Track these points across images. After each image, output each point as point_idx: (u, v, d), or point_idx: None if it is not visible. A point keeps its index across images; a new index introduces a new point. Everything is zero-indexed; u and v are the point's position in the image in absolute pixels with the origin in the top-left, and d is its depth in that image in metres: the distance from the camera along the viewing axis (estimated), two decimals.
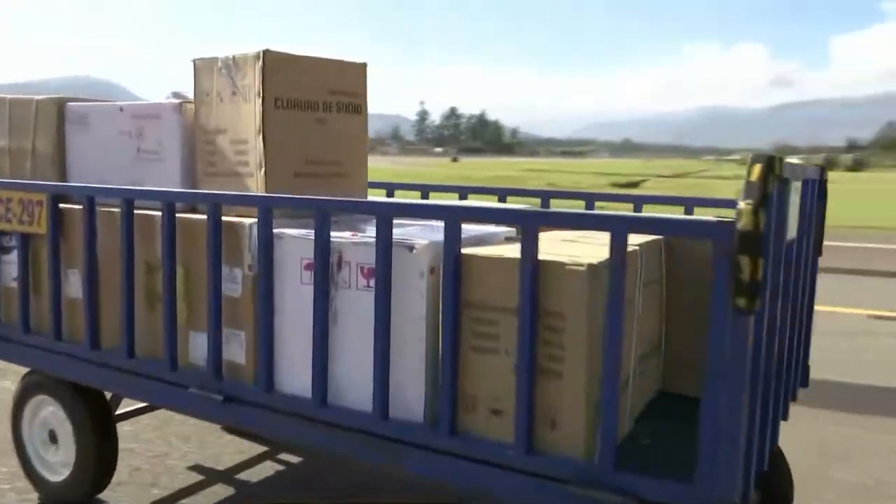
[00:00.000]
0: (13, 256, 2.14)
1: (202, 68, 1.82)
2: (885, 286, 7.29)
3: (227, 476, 2.52)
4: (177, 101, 1.89)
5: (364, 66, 1.89)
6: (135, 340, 1.84)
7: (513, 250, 1.33)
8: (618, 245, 1.16)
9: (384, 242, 1.39)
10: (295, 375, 1.59)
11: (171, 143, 1.89)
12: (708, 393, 1.12)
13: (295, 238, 1.57)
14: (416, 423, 1.44)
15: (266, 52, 1.67)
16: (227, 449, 2.72)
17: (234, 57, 1.74)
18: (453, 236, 1.32)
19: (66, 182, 2.12)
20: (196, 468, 2.55)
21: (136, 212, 1.79)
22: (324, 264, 1.49)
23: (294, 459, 2.65)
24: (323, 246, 1.48)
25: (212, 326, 1.67)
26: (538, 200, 2.40)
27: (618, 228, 1.16)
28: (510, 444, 1.30)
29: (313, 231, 1.51)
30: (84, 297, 1.90)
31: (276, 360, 1.60)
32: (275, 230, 1.58)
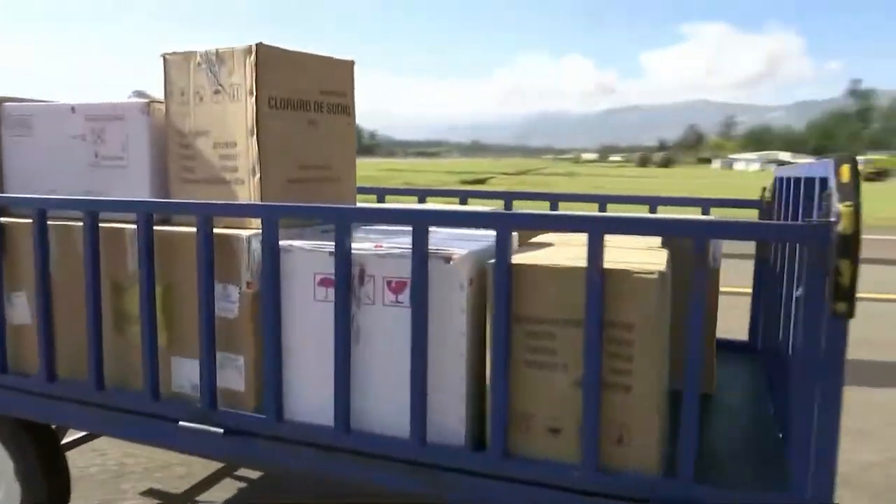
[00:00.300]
0: None
1: (175, 63, 1.48)
2: None
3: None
4: (143, 100, 1.50)
5: (352, 63, 1.62)
6: (103, 370, 1.43)
7: (566, 258, 1.11)
8: (700, 250, 0.97)
9: (421, 254, 1.12)
10: (308, 401, 1.32)
11: (137, 147, 1.55)
12: (801, 398, 0.96)
13: (307, 251, 1.27)
14: (457, 446, 1.18)
15: (259, 45, 1.35)
16: None
17: (217, 51, 1.41)
18: (504, 246, 1.07)
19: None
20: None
21: (101, 225, 1.39)
22: (345, 279, 1.19)
23: None
24: (344, 259, 1.20)
25: (204, 351, 1.34)
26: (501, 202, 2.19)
27: (700, 236, 0.97)
28: (575, 464, 1.08)
29: (325, 243, 1.29)
30: (39, 322, 1.48)
31: (286, 385, 1.28)
32: (281, 242, 1.25)
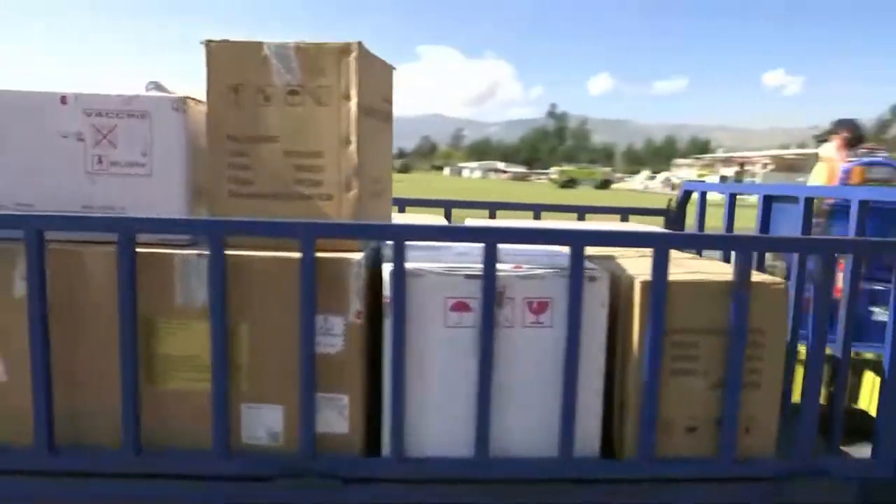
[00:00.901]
0: None
1: (226, 54, 1.23)
2: None
3: None
4: (175, 95, 1.24)
5: (392, 68, 1.51)
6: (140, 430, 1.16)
7: (705, 273, 1.27)
8: (827, 266, 1.19)
9: (577, 275, 1.15)
10: (433, 434, 1.23)
11: (167, 152, 1.26)
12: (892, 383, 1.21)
13: (439, 275, 1.19)
14: (594, 457, 1.23)
15: (360, 45, 1.20)
16: None
17: (297, 45, 1.21)
18: (662, 265, 1.16)
19: None
20: None
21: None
22: (491, 302, 1.16)
23: None
24: (490, 281, 1.15)
25: (304, 393, 1.18)
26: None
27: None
28: (711, 458, 1.22)
29: (457, 265, 1.24)
30: (36, 377, 1.14)
31: (411, 421, 1.19)
32: (408, 266, 1.17)
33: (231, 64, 1.27)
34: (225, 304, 1.16)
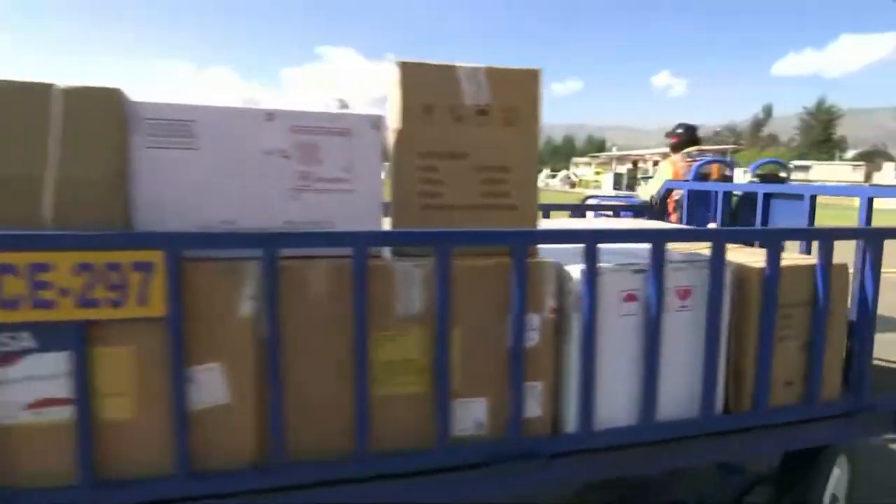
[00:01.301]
0: (25, 367, 1.12)
1: (421, 76, 1.35)
2: None
3: None
4: (372, 113, 1.34)
5: None
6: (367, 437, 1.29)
7: (786, 259, 1.61)
8: (878, 251, 1.62)
9: (718, 266, 1.45)
10: (608, 409, 1.46)
11: (366, 168, 1.33)
12: None
13: (615, 272, 1.42)
14: (720, 414, 1.55)
15: (540, 72, 1.39)
16: None
17: (486, 69, 1.37)
18: (775, 256, 1.50)
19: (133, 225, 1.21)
20: None
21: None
22: (659, 292, 1.41)
23: None
24: (659, 274, 1.41)
25: (514, 383, 1.35)
26: None
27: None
28: (801, 404, 1.59)
29: (626, 262, 1.48)
30: (272, 394, 1.21)
31: (594, 399, 1.41)
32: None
33: (424, 85, 1.36)
34: (448, 310, 1.28)
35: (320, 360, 1.26)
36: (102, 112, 1.14)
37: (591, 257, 1.37)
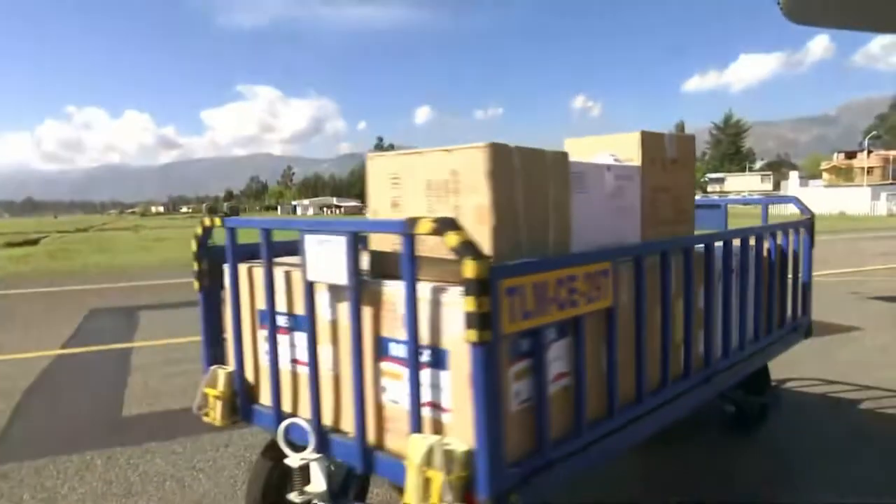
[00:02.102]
0: (552, 352, 1.81)
1: (651, 138, 2.52)
2: None
3: None
4: (636, 164, 2.49)
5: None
6: None
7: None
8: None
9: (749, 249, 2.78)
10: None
11: (635, 199, 2.47)
12: None
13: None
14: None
15: (693, 136, 2.70)
16: None
17: (676, 135, 2.65)
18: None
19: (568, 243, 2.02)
20: None
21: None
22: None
23: None
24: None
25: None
26: None
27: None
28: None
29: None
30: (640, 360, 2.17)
31: None
32: None
33: (651, 147, 2.57)
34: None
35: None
36: (563, 169, 2.00)
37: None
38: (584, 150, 2.57)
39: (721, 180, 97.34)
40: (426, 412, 1.70)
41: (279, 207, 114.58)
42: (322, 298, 1.93)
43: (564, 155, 2.03)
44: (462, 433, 1.59)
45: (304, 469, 2.03)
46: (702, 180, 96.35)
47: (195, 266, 2.36)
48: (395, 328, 1.75)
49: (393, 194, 1.95)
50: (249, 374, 2.27)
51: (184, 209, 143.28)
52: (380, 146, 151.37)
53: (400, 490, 1.63)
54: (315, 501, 2.04)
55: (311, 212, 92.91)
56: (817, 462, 3.19)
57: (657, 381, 2.28)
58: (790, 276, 3.41)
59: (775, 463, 3.19)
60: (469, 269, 1.47)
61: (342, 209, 75.86)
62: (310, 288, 1.91)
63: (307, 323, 1.93)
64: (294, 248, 2.25)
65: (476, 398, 1.52)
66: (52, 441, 3.68)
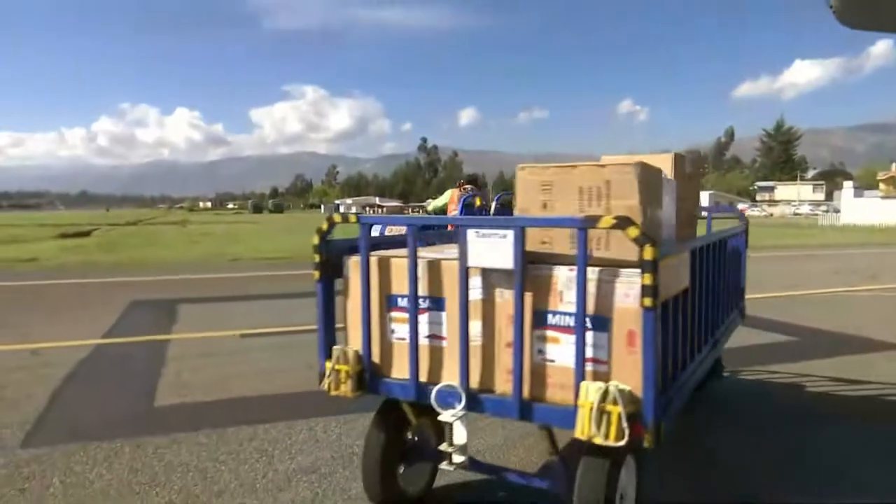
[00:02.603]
0: None
1: (681, 160, 2.70)
2: (254, 308, 8.33)
3: None
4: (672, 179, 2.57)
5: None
6: None
7: None
8: None
9: None
10: None
11: (672, 207, 2.63)
12: None
13: None
14: None
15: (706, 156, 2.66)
16: None
17: (692, 154, 2.64)
18: None
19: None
20: None
21: None
22: None
23: None
24: None
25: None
26: None
27: None
28: None
29: None
30: None
31: None
32: None
33: (680, 164, 2.57)
34: None
35: None
36: (661, 181, 2.44)
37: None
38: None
39: (771, 188, 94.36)
40: (588, 366, 2.13)
41: (322, 206, 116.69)
42: (473, 282, 2.33)
43: (660, 170, 2.45)
44: (623, 379, 2.07)
45: (438, 426, 2.46)
46: (750, 188, 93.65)
47: (316, 258, 2.59)
48: (554, 302, 2.20)
49: (543, 198, 2.34)
50: (376, 352, 2.56)
51: (230, 205, 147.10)
52: (423, 147, 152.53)
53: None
54: (454, 452, 2.35)
55: (353, 210, 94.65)
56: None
57: (702, 342, 3.03)
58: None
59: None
60: (648, 252, 1.97)
61: (384, 209, 77.96)
62: (465, 273, 2.30)
63: (460, 302, 2.31)
64: (381, 243, 2.78)
65: (645, 350, 2.02)
66: (85, 428, 3.80)
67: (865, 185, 53.98)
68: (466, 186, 6.33)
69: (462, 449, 2.35)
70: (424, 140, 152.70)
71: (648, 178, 2.25)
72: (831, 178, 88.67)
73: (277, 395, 4.45)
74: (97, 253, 16.95)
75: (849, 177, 77.13)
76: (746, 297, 4.59)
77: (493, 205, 6.24)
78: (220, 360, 5.38)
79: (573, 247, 2.16)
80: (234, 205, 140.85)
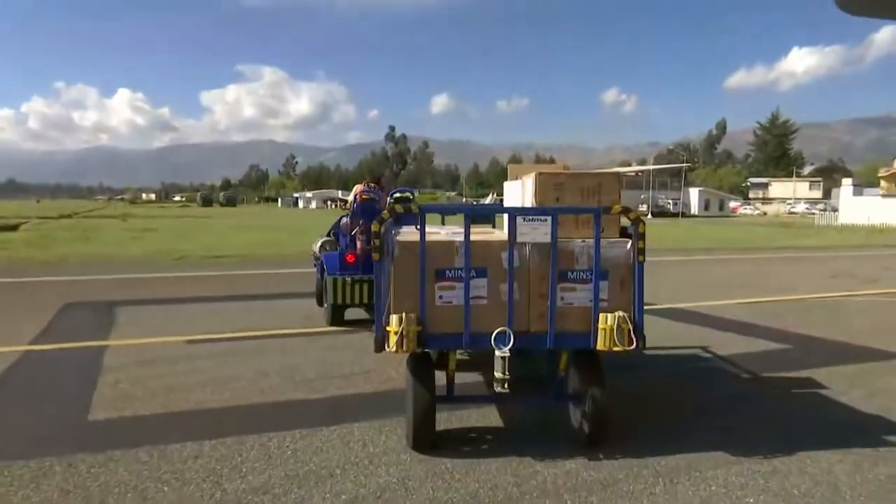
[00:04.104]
0: None
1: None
2: (202, 312, 8.16)
3: None
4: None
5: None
6: None
7: None
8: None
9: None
10: None
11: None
12: None
13: None
14: None
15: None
16: None
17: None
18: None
19: None
20: None
21: None
22: None
23: None
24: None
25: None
26: None
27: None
28: None
29: None
30: None
31: None
32: None
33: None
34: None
35: None
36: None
37: None
38: (522, 171, 4.37)
39: (765, 185, 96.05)
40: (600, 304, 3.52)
41: (280, 199, 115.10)
42: (506, 255, 3.50)
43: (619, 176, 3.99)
44: (620, 310, 3.46)
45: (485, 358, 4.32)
46: (743, 185, 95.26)
47: (375, 242, 3.50)
48: (571, 264, 3.55)
49: (556, 194, 3.68)
50: (429, 315, 3.49)
51: (177, 197, 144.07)
52: (391, 136, 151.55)
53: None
54: (501, 383, 3.47)
55: (314, 205, 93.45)
56: None
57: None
58: None
59: None
60: (641, 227, 3.50)
61: (339, 202, 75.76)
62: (512, 248, 3.48)
63: (508, 268, 3.47)
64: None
65: (637, 289, 3.52)
66: (10, 445, 3.73)
67: (865, 182, 55.02)
68: (371, 184, 7.58)
69: (505, 381, 3.44)
70: (393, 129, 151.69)
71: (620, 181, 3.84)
72: (829, 175, 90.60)
73: (226, 408, 4.42)
74: (25, 249, 16.52)
75: (848, 173, 78.86)
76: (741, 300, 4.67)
77: (389, 200, 7.20)
78: (163, 369, 5.30)
79: (576, 228, 3.62)
80: (182, 197, 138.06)
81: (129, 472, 3.37)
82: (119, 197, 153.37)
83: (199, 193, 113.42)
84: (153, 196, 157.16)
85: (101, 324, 7.18)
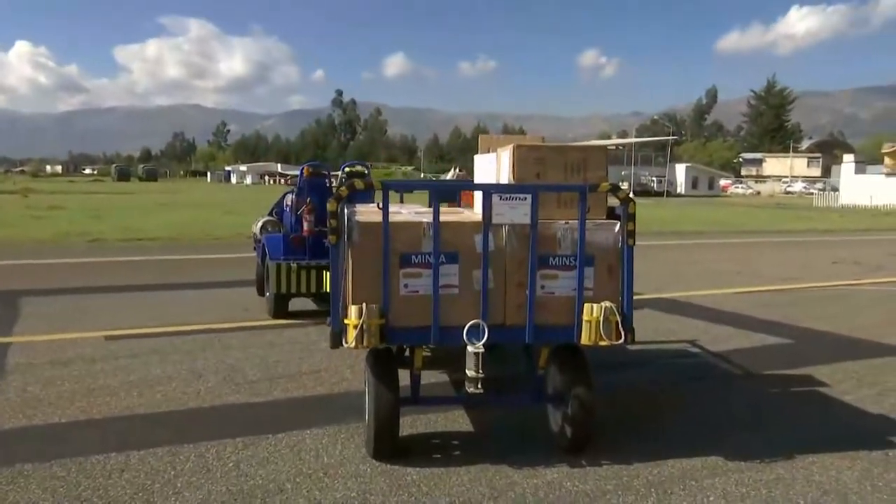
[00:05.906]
0: None
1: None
2: (123, 303, 8.07)
3: None
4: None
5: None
6: None
7: None
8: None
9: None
10: None
11: None
12: None
13: None
14: None
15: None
16: None
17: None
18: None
19: None
20: None
21: None
22: None
23: None
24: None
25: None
26: None
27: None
28: None
29: None
30: None
31: None
32: None
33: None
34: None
35: None
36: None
37: None
38: (496, 143, 4.28)
39: (759, 162, 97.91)
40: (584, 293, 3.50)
41: (209, 173, 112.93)
42: (480, 238, 3.45)
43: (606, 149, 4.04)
44: (607, 300, 3.46)
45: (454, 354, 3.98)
46: (735, 161, 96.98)
47: (332, 223, 3.40)
48: (554, 247, 3.51)
49: (536, 169, 3.59)
50: (393, 306, 3.43)
51: (87, 170, 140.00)
52: (339, 102, 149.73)
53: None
54: (474, 382, 3.42)
55: (248, 180, 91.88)
56: None
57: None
58: None
59: None
60: (632, 207, 3.49)
61: (288, 179, 71.87)
62: (487, 231, 3.43)
63: (482, 253, 3.43)
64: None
65: (626, 277, 3.52)
66: None
67: (869, 158, 55.79)
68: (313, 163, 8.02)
69: (478, 380, 3.40)
70: (340, 93, 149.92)
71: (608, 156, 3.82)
72: (829, 150, 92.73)
73: (156, 414, 4.37)
74: None
75: (849, 149, 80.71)
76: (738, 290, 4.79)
77: (341, 174, 7.56)
78: (78, 370, 5.21)
79: (558, 208, 3.57)
80: (94, 170, 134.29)
81: (42, 489, 3.30)
82: (18, 169, 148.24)
83: (113, 166, 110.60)
84: (59, 168, 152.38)
85: (1, 318, 7.00)
